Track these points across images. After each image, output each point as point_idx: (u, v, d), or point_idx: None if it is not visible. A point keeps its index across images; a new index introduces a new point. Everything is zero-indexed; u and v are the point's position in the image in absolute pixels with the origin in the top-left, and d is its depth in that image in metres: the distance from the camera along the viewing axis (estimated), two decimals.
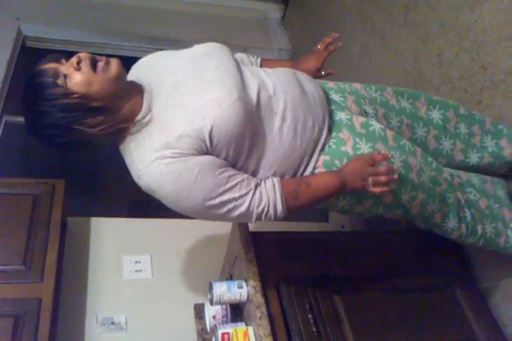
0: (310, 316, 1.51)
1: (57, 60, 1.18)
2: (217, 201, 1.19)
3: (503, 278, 1.79)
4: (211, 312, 1.69)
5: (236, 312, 1.71)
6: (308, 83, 1.38)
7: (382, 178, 1.23)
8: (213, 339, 1.64)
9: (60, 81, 1.14)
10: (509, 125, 1.67)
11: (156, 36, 3.41)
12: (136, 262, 2.19)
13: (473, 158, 1.60)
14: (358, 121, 1.39)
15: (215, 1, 3.77)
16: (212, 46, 1.34)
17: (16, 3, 3.28)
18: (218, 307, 1.69)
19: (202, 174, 1.16)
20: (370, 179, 1.23)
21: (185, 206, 1.21)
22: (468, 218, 1.50)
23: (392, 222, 1.83)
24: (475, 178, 1.59)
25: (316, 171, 1.33)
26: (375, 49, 2.63)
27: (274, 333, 1.46)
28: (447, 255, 1.82)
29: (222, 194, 1.18)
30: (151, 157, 1.16)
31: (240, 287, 1.57)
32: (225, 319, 1.68)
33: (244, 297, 1.56)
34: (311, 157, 1.33)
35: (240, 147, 1.22)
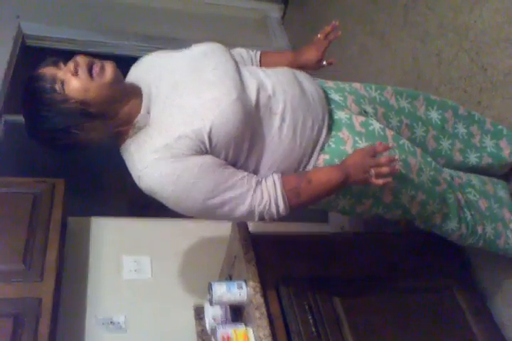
0: (310, 317, 1.51)
1: (55, 64, 1.19)
2: (218, 200, 1.19)
3: (503, 280, 1.79)
4: (211, 312, 1.69)
5: (236, 313, 1.71)
6: (308, 83, 1.38)
7: (384, 169, 1.21)
8: (213, 340, 1.64)
9: (57, 86, 1.15)
10: (509, 126, 1.67)
11: (156, 35, 3.40)
12: (135, 262, 2.19)
13: (472, 159, 1.60)
14: (358, 120, 1.39)
15: (215, 0, 3.76)
16: (210, 46, 1.34)
17: (15, 2, 3.27)
18: (218, 308, 1.69)
19: (201, 174, 1.16)
20: (372, 171, 1.21)
21: (187, 206, 1.21)
22: (469, 218, 1.50)
23: (392, 223, 1.83)
24: (475, 179, 1.60)
25: None
26: (374, 49, 2.63)
27: (273, 334, 1.46)
28: (447, 257, 1.82)
29: (222, 193, 1.18)
30: (151, 158, 1.16)
31: (240, 288, 1.57)
32: (224, 320, 1.69)
33: (244, 298, 1.56)
34: (310, 156, 1.33)
35: (239, 147, 1.22)
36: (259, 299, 1.52)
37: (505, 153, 1.61)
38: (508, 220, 1.58)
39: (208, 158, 1.18)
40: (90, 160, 2.46)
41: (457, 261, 1.84)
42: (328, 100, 1.41)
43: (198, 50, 1.33)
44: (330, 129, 1.36)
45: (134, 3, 3.58)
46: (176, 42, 3.28)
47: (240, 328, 1.56)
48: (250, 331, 1.54)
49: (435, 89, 2.10)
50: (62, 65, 1.19)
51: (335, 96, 1.44)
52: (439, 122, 1.55)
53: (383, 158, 1.21)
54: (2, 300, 1.68)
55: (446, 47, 2.07)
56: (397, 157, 1.24)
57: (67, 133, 1.18)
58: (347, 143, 1.35)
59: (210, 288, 1.59)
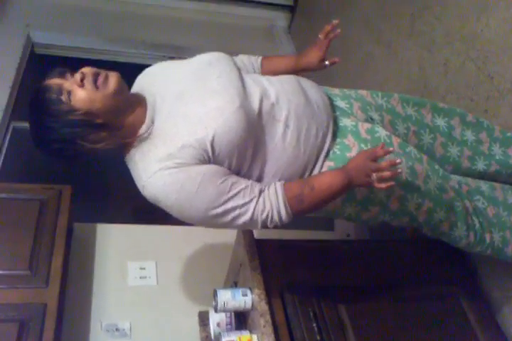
0: (314, 324, 1.51)
1: (62, 75, 1.20)
2: (220, 209, 1.19)
3: (510, 288, 1.77)
4: (215, 319, 1.69)
5: (240, 319, 1.71)
6: (313, 91, 1.38)
7: (386, 173, 1.19)
8: None
9: (64, 97, 1.16)
10: None
11: (163, 43, 3.43)
12: (141, 268, 2.19)
13: (480, 166, 1.59)
14: (364, 127, 1.39)
15: (222, 9, 3.79)
16: (214, 55, 1.35)
17: (25, 10, 3.31)
18: (223, 315, 1.69)
19: (204, 183, 1.17)
20: (374, 175, 1.19)
21: (190, 215, 1.22)
22: (477, 226, 1.49)
23: (398, 230, 1.83)
24: (484, 185, 1.58)
25: None
26: (380, 58, 2.63)
27: None
28: (453, 264, 1.81)
29: (225, 202, 1.19)
30: (155, 168, 1.17)
31: (245, 295, 1.57)
32: (229, 326, 1.68)
33: (249, 305, 1.56)
34: (315, 163, 1.33)
35: (242, 155, 1.22)
36: (264, 306, 1.52)
37: None
38: None
39: (212, 167, 1.19)
40: (96, 167, 2.47)
41: (463, 269, 1.83)
42: (333, 107, 1.41)
43: (203, 59, 1.34)
44: (335, 136, 1.36)
45: (141, 12, 3.61)
46: (183, 51, 3.33)
47: (245, 335, 1.56)
48: (255, 338, 1.53)
49: (442, 98, 2.10)
50: (68, 75, 1.20)
51: (340, 104, 1.44)
52: (446, 129, 1.55)
53: (384, 163, 1.20)
54: (7, 306, 1.69)
55: (452, 56, 2.07)
56: (398, 161, 1.23)
57: (73, 144, 1.20)
58: (352, 149, 1.35)
59: (215, 294, 1.58)
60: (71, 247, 2.05)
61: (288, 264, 1.68)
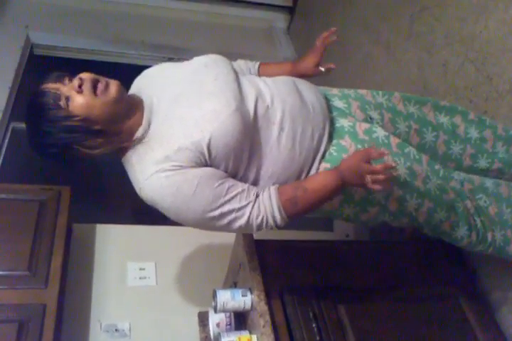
0: (314, 325, 1.51)
1: (60, 80, 1.20)
2: (217, 213, 1.20)
3: (510, 288, 1.78)
4: (215, 319, 1.69)
5: (240, 320, 1.71)
6: (308, 92, 1.38)
7: (380, 177, 1.17)
8: None
9: (62, 103, 1.16)
10: None
11: (162, 45, 3.43)
12: (140, 269, 2.19)
13: (482, 164, 1.57)
14: (362, 128, 1.39)
15: (222, 10, 3.79)
16: (211, 57, 1.35)
17: (24, 11, 3.32)
18: (222, 315, 1.69)
19: (201, 186, 1.17)
20: (368, 177, 1.18)
21: (186, 218, 1.23)
22: (479, 225, 1.48)
23: (398, 231, 1.83)
24: (488, 181, 1.57)
25: None
26: (379, 58, 2.64)
27: None
28: (453, 265, 1.82)
29: (222, 205, 1.19)
30: (151, 170, 1.18)
31: (244, 295, 1.57)
32: (228, 327, 1.68)
33: (248, 305, 1.56)
34: (311, 165, 1.33)
35: (238, 158, 1.23)
36: (263, 307, 1.52)
37: None
38: None
39: (208, 170, 1.19)
40: (95, 168, 2.47)
41: (462, 269, 1.83)
42: (330, 108, 1.41)
43: (200, 61, 1.34)
44: (331, 137, 1.36)
45: (141, 13, 3.62)
46: (183, 52, 3.33)
47: (244, 335, 1.56)
48: (254, 338, 1.53)
49: (440, 99, 2.09)
50: (67, 80, 1.20)
51: (339, 104, 1.44)
52: (450, 127, 1.54)
53: (379, 166, 1.18)
54: (7, 306, 1.69)
55: (452, 57, 2.08)
56: (394, 164, 1.23)
57: (70, 149, 1.20)
58: (349, 150, 1.34)
59: (214, 295, 1.58)
60: (70, 248, 2.05)
61: (287, 265, 1.68)
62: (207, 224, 1.23)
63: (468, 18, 1.98)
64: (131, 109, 1.24)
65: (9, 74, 2.89)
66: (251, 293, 1.57)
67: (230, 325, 1.69)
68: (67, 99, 1.16)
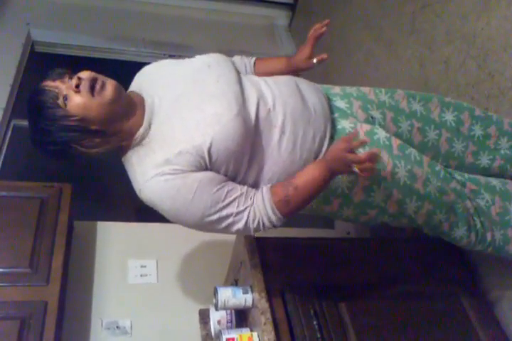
0: (315, 322, 1.51)
1: (61, 77, 1.19)
2: (215, 217, 1.20)
3: (510, 286, 1.78)
4: (216, 317, 1.69)
5: (241, 317, 1.71)
6: (310, 93, 1.37)
7: (367, 165, 1.15)
8: None
9: (60, 101, 1.16)
10: None
11: (163, 41, 3.43)
12: (141, 266, 2.19)
13: (484, 161, 1.57)
14: (363, 129, 1.39)
15: (222, 7, 3.79)
16: (214, 57, 1.34)
17: (25, 9, 3.31)
18: (223, 313, 1.69)
19: (200, 190, 1.17)
20: (355, 168, 1.16)
21: (185, 221, 1.23)
22: (478, 226, 1.48)
23: (399, 229, 1.83)
24: (494, 180, 1.56)
25: None
26: (381, 55, 2.63)
27: (278, 339, 1.46)
28: (454, 263, 1.82)
29: (220, 210, 1.19)
30: (152, 173, 1.17)
31: (245, 293, 1.57)
32: (229, 324, 1.69)
33: (249, 303, 1.56)
34: None
35: (239, 161, 1.22)
36: (264, 304, 1.52)
37: None
38: None
39: (208, 174, 1.19)
40: (97, 165, 2.47)
41: (463, 268, 1.83)
42: (331, 109, 1.40)
43: (202, 61, 1.33)
44: (332, 138, 1.35)
45: (141, 10, 3.61)
46: (183, 49, 3.33)
47: (245, 333, 1.56)
48: (255, 335, 1.53)
49: (442, 96, 2.10)
50: (67, 78, 1.19)
51: (340, 104, 1.43)
52: (453, 124, 1.52)
53: (363, 155, 1.15)
54: (8, 303, 1.69)
55: (453, 54, 2.07)
56: (375, 150, 1.19)
57: (68, 148, 1.20)
58: None
59: (215, 292, 1.59)
60: (71, 245, 2.05)
61: (288, 262, 1.68)
62: (205, 227, 1.24)
63: (470, 14, 1.98)
64: (131, 108, 1.23)
65: (10, 72, 2.89)
66: (252, 290, 1.57)
67: (230, 322, 1.69)
68: (66, 98, 1.16)
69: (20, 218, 1.94)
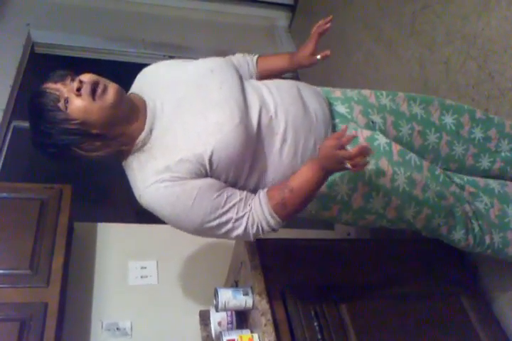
0: (315, 323, 1.51)
1: (62, 80, 1.18)
2: (215, 223, 1.20)
3: (511, 287, 1.77)
4: (216, 318, 1.69)
5: (241, 318, 1.71)
6: (312, 99, 1.37)
7: (359, 160, 1.13)
8: None
9: (61, 104, 1.15)
10: None
11: (163, 42, 3.43)
12: (142, 268, 2.19)
13: (484, 163, 1.57)
14: (363, 135, 1.39)
15: (222, 8, 3.79)
16: (217, 62, 1.33)
17: (25, 10, 3.32)
18: (223, 314, 1.69)
19: (200, 197, 1.17)
20: (348, 165, 1.14)
21: (185, 226, 1.23)
22: (476, 229, 1.48)
23: (399, 230, 1.83)
24: (493, 182, 1.56)
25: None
26: (381, 56, 2.63)
27: (279, 340, 1.45)
28: (454, 264, 1.81)
29: (220, 216, 1.20)
30: (152, 179, 1.18)
31: (246, 294, 1.57)
32: (230, 325, 1.68)
33: (250, 304, 1.56)
34: None
35: (239, 169, 1.23)
36: (264, 305, 1.52)
37: None
38: None
39: (208, 181, 1.19)
40: (97, 167, 2.47)
41: (464, 268, 1.83)
42: (332, 114, 1.40)
43: (206, 66, 1.32)
44: None
45: (141, 11, 3.62)
46: (183, 50, 3.33)
47: (246, 334, 1.56)
48: (256, 337, 1.53)
49: (442, 97, 2.09)
50: (69, 80, 1.18)
51: (341, 109, 1.43)
52: (453, 127, 1.52)
53: (354, 150, 1.12)
54: (8, 305, 1.69)
55: (453, 54, 2.07)
56: (366, 144, 1.18)
57: (68, 151, 1.20)
58: None
59: (215, 294, 1.58)
60: (72, 246, 2.05)
61: (289, 263, 1.68)
62: (205, 233, 1.24)
63: (470, 15, 1.98)
64: (132, 112, 1.22)
65: (10, 73, 2.89)
66: (252, 291, 1.57)
67: (231, 323, 1.69)
68: (67, 101, 1.15)
69: (21, 219, 1.94)
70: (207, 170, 1.18)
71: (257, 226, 1.23)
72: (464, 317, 1.66)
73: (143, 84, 1.34)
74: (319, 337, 1.49)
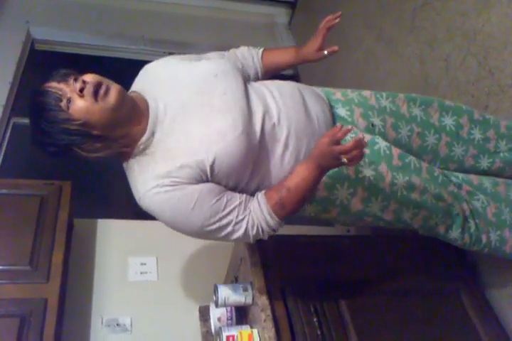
0: (315, 319, 1.51)
1: (65, 79, 1.17)
2: (215, 226, 1.21)
3: (510, 284, 1.78)
4: (216, 314, 1.69)
5: (241, 314, 1.71)
6: (314, 102, 1.36)
7: (354, 153, 1.13)
8: None
9: (63, 104, 1.14)
10: None
11: (163, 39, 3.43)
12: (141, 264, 2.19)
13: (484, 164, 1.58)
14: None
15: (223, 5, 3.79)
16: (221, 66, 1.32)
17: (25, 7, 3.32)
18: (223, 310, 1.69)
19: (200, 201, 1.18)
20: (344, 159, 1.14)
21: (185, 230, 1.24)
22: (472, 228, 1.49)
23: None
24: (486, 181, 1.57)
25: (317, 193, 1.33)
26: (381, 53, 2.63)
27: (278, 336, 1.46)
28: (454, 261, 1.82)
29: (220, 220, 1.20)
30: (152, 183, 1.18)
31: (245, 290, 1.57)
32: (230, 321, 1.69)
33: (249, 300, 1.56)
34: None
35: (240, 175, 1.23)
36: (264, 301, 1.52)
37: None
38: None
39: (208, 185, 1.19)
40: (97, 163, 2.47)
41: (463, 265, 1.83)
42: (333, 117, 1.40)
43: (210, 69, 1.30)
44: None
45: (141, 8, 3.61)
46: (183, 47, 3.33)
47: (245, 330, 1.56)
48: (255, 332, 1.53)
49: (443, 94, 2.10)
50: (72, 80, 1.17)
51: (341, 111, 1.42)
52: (453, 128, 1.53)
53: (349, 144, 1.13)
54: (8, 301, 1.68)
55: (453, 51, 2.07)
56: (361, 135, 1.19)
57: (68, 150, 1.20)
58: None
59: (215, 290, 1.59)
60: (71, 243, 2.05)
61: (288, 259, 1.69)
62: (205, 236, 1.25)
63: (470, 12, 1.97)
64: (134, 114, 1.21)
65: (10, 70, 2.89)
66: (252, 287, 1.57)
67: (231, 319, 1.69)
68: (69, 100, 1.14)
69: (20, 216, 1.93)
70: (208, 176, 1.19)
71: (257, 227, 1.24)
72: (464, 314, 1.67)
73: (144, 82, 1.33)
74: (319, 332, 1.49)
